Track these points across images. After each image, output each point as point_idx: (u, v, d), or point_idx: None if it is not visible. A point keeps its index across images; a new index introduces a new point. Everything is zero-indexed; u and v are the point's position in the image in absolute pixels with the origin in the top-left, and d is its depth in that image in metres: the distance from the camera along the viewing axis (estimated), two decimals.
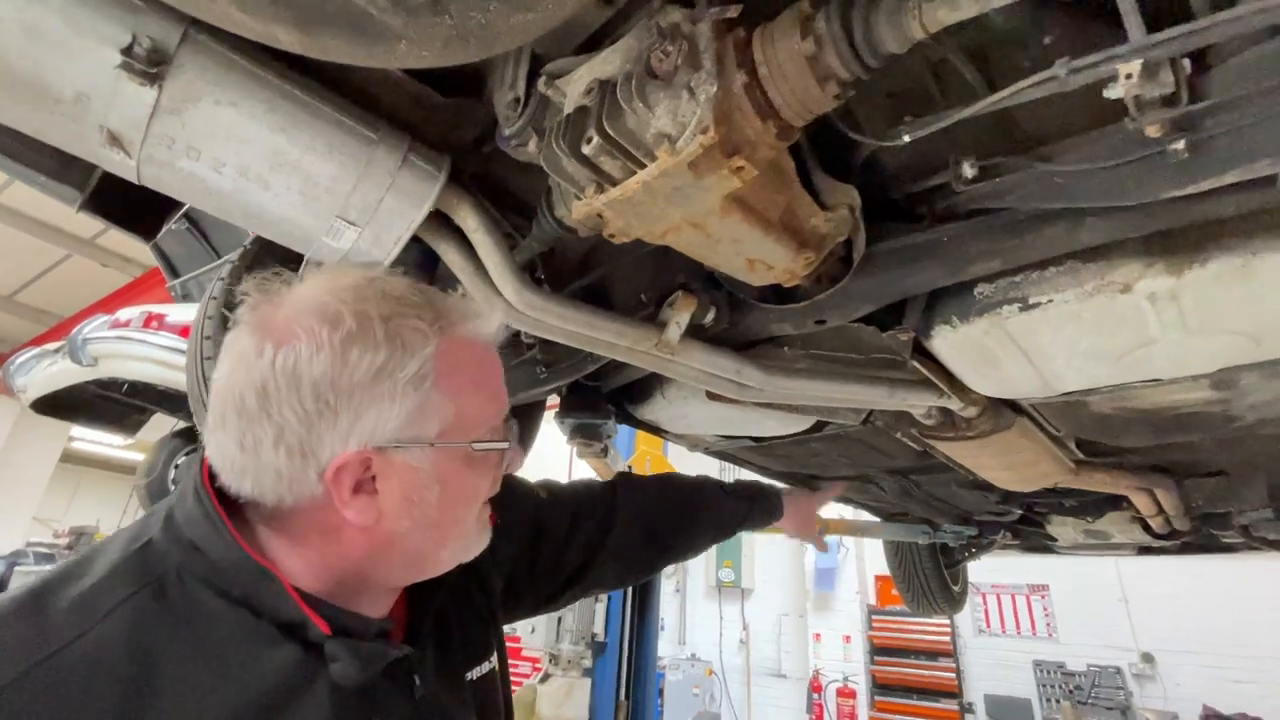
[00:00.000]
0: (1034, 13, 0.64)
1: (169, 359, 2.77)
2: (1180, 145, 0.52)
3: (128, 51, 0.65)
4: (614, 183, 0.71)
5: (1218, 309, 0.81)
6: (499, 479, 0.68)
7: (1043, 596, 6.63)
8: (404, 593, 0.69)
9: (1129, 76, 0.50)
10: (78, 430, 8.52)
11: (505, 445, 0.64)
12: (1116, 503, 2.06)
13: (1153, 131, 0.52)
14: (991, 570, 6.21)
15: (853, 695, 6.91)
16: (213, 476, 0.58)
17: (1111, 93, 0.53)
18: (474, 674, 0.74)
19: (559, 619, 2.50)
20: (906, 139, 0.72)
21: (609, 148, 0.67)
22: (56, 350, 3.20)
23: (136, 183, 0.82)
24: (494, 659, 0.78)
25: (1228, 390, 1.07)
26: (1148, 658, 5.98)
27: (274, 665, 0.52)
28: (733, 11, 0.65)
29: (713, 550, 8.42)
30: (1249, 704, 5.34)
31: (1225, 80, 0.50)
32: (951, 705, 6.58)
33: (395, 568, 0.62)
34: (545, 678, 2.43)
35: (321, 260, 0.95)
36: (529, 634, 2.53)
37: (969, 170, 0.74)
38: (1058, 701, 6.14)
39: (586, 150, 0.68)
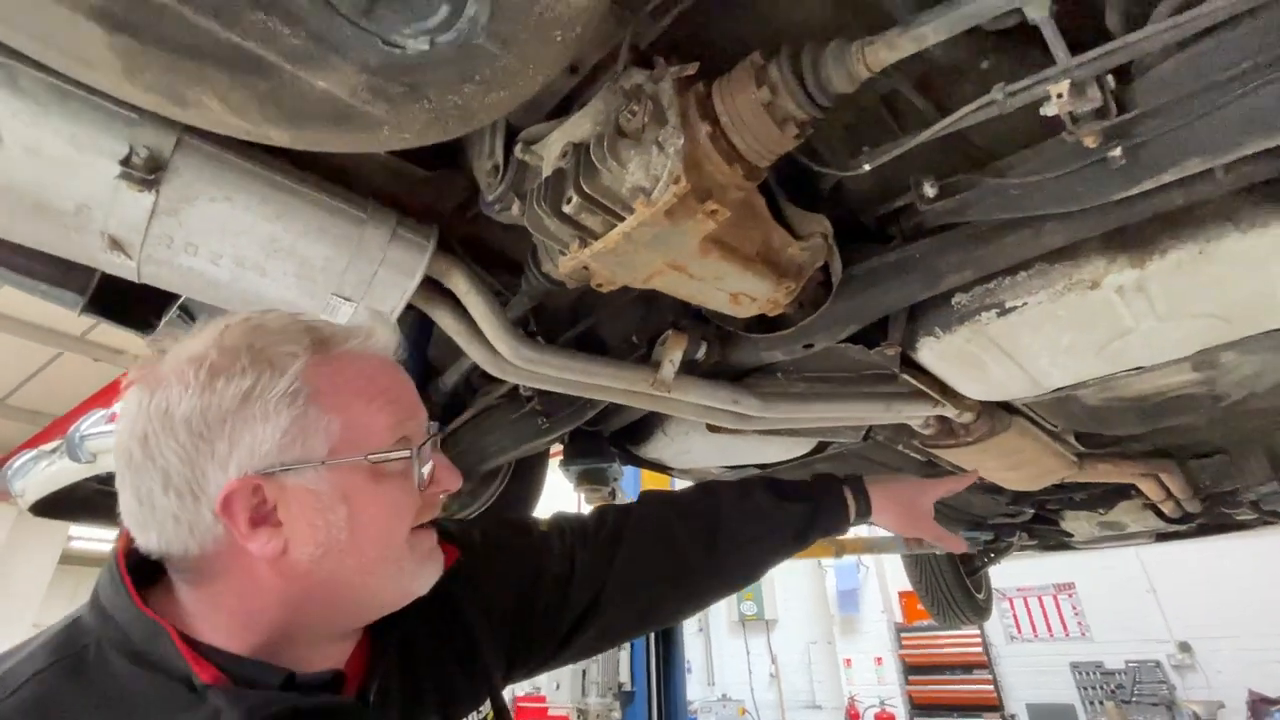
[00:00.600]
0: (970, 43, 0.69)
1: None
2: (1117, 152, 0.56)
3: (126, 162, 0.69)
4: (596, 237, 0.75)
5: (1183, 295, 0.85)
6: (435, 500, 0.65)
7: (1070, 595, 6.52)
8: (365, 643, 0.66)
9: (1060, 95, 0.54)
10: (76, 529, 8.34)
11: (405, 453, 0.60)
12: (1126, 492, 2.07)
13: (1090, 142, 0.56)
14: (1014, 574, 6.12)
15: (891, 719, 6.70)
16: (133, 541, 0.58)
17: (1047, 110, 0.57)
18: None
19: (583, 671, 2.45)
20: (867, 168, 0.76)
21: (588, 205, 0.71)
22: (54, 450, 3.17)
23: (137, 281, 0.85)
24: (486, 708, 0.74)
25: (1210, 370, 1.10)
26: (1185, 647, 5.85)
27: None
28: (690, 69, 0.70)
29: None
30: None
31: (1148, 90, 0.54)
32: (994, 719, 6.38)
33: (323, 606, 0.59)
34: None
35: None
36: (554, 690, 2.46)
37: (929, 190, 0.79)
38: (1101, 703, 5.97)
39: (568, 209, 0.71)
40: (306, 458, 0.56)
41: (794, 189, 0.90)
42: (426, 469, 0.62)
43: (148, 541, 0.56)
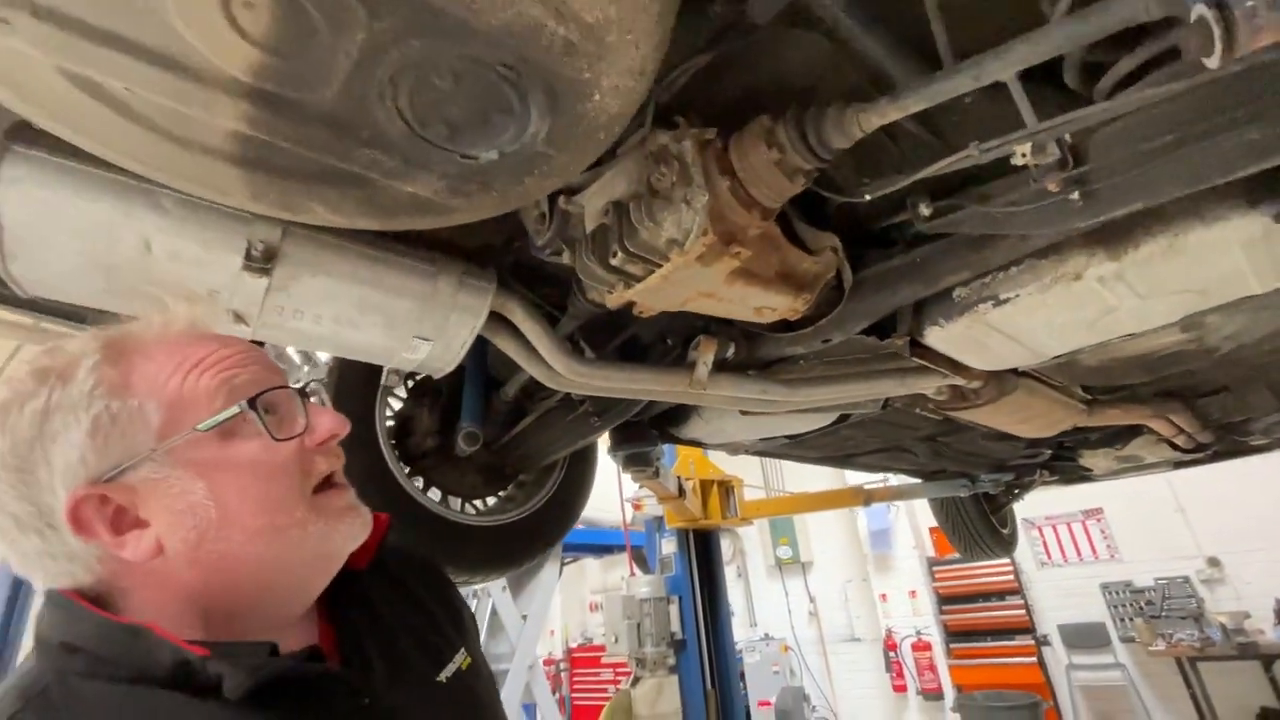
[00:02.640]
0: None
1: None
2: (1075, 195, 0.67)
3: (247, 256, 0.83)
4: (639, 280, 0.88)
5: (1160, 278, 0.95)
6: (327, 450, 0.62)
7: (1098, 520, 6.66)
8: (327, 621, 0.66)
9: (1024, 155, 0.65)
10: None
11: (236, 410, 0.56)
12: (1139, 430, 2.17)
13: (1052, 188, 0.67)
14: (1041, 503, 6.24)
15: (928, 648, 7.01)
16: None
17: (1016, 161, 0.68)
18: (446, 674, 0.70)
19: (638, 625, 2.68)
20: (868, 197, 0.88)
21: (631, 258, 0.84)
22: None
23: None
24: (461, 656, 0.73)
25: (1197, 330, 1.20)
26: (1214, 562, 5.99)
27: None
28: (710, 134, 0.81)
29: (766, 529, 8.56)
30: None
31: (1098, 147, 0.64)
32: (1027, 640, 6.64)
33: (244, 585, 0.57)
34: (636, 681, 2.61)
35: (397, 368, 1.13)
36: (613, 643, 2.71)
37: (925, 210, 0.89)
38: (1130, 620, 6.18)
39: (614, 262, 0.84)
40: (134, 451, 0.53)
41: (805, 210, 1.01)
42: (289, 424, 0.59)
43: (50, 584, 0.55)
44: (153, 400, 0.54)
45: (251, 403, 0.56)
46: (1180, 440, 2.24)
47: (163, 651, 0.50)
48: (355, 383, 1.25)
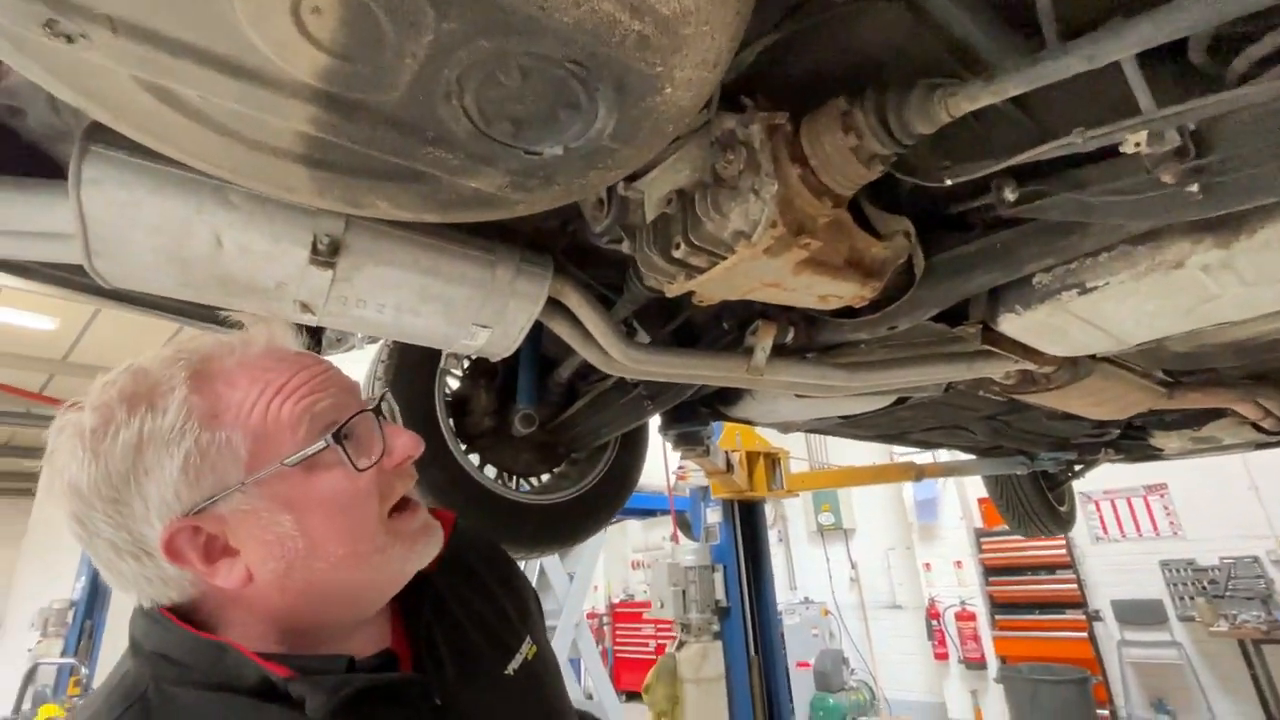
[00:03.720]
0: None
1: None
2: (1194, 188, 0.60)
3: (314, 249, 0.84)
4: (701, 271, 0.85)
5: (1272, 267, 0.87)
6: (403, 472, 0.63)
7: (1162, 496, 6.37)
8: (400, 618, 0.69)
9: (1137, 144, 0.59)
10: None
11: (320, 446, 0.56)
12: (1220, 412, 2.04)
13: (1167, 179, 0.61)
14: (1100, 477, 6.01)
15: (972, 618, 6.94)
16: None
17: (1126, 149, 0.62)
18: (513, 667, 0.72)
19: (683, 592, 2.73)
20: (949, 183, 0.82)
21: (694, 250, 0.81)
22: None
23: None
24: (527, 645, 0.75)
25: None
26: None
27: None
28: (780, 118, 0.76)
29: (809, 495, 8.52)
30: None
31: (1226, 136, 0.57)
32: (1078, 615, 6.50)
33: (325, 606, 0.59)
34: (681, 645, 2.68)
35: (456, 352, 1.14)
36: (659, 608, 2.77)
37: (1010, 195, 0.83)
38: (1191, 599, 5.96)
39: (677, 255, 0.82)
40: (224, 484, 0.54)
41: (876, 191, 0.96)
42: (371, 448, 0.60)
43: (147, 600, 0.57)
44: (239, 431, 0.55)
45: (337, 437, 0.57)
46: (1268, 423, 2.09)
47: (248, 669, 0.53)
48: (415, 363, 1.28)
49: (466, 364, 1.44)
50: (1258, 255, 0.83)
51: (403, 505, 0.63)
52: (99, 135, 0.72)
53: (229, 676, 0.53)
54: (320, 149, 0.65)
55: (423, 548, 0.63)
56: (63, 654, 6.21)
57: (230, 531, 0.55)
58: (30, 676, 5.31)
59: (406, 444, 0.62)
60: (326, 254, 0.85)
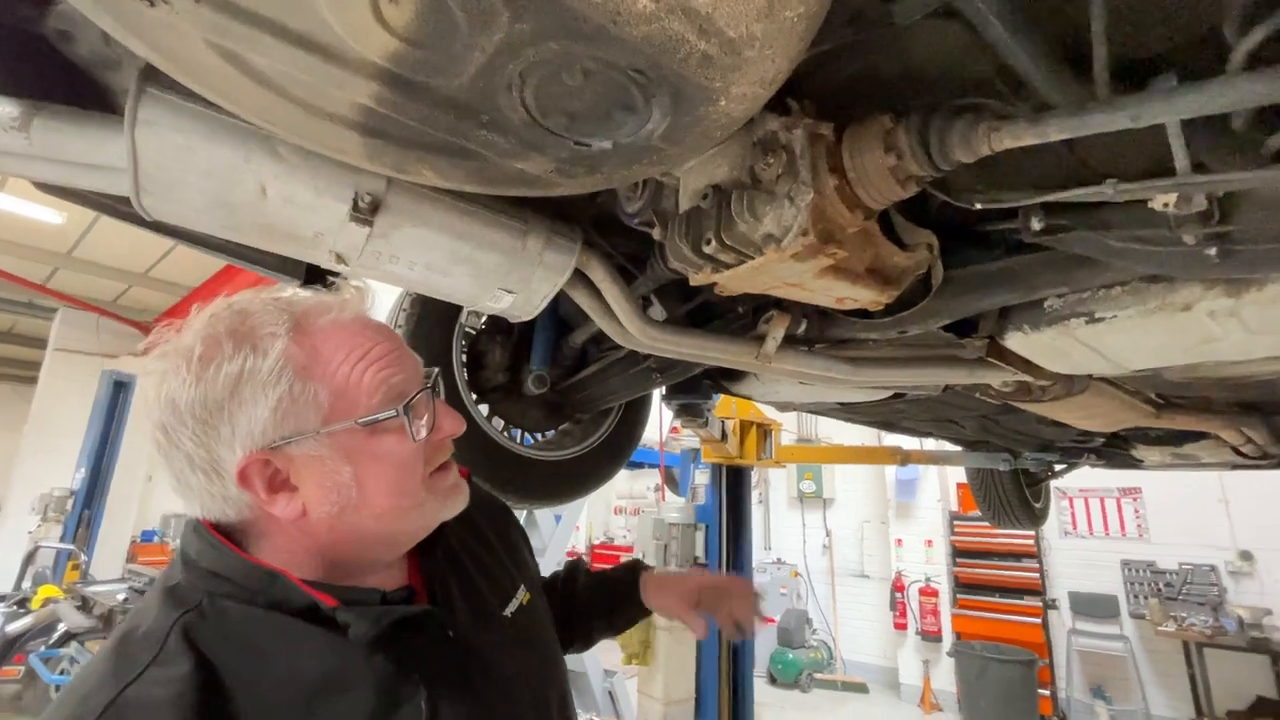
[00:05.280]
0: None
1: None
2: (1212, 251, 0.63)
3: (354, 206, 0.86)
4: (728, 267, 0.87)
5: (1277, 319, 0.90)
6: (443, 445, 0.71)
7: (1134, 499, 6.55)
8: (416, 559, 0.76)
9: (1166, 204, 0.62)
10: None
11: (392, 413, 0.63)
12: (1203, 433, 2.10)
13: (1188, 240, 0.64)
14: (1079, 475, 6.17)
15: (935, 594, 7.23)
16: None
17: (1154, 205, 0.64)
18: (511, 609, 0.80)
19: (665, 546, 2.85)
20: (979, 206, 0.84)
21: (724, 248, 0.83)
22: None
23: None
24: (522, 591, 0.84)
25: None
26: (1246, 555, 5.88)
27: (311, 648, 0.59)
28: (825, 128, 0.78)
29: (794, 465, 8.73)
30: None
31: (1250, 208, 0.60)
32: (1035, 602, 6.78)
33: (360, 547, 0.65)
34: None
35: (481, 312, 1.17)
36: (640, 558, 2.90)
37: (1036, 224, 0.85)
38: (1145, 598, 6.22)
39: (707, 250, 0.84)
40: (302, 429, 0.60)
41: (906, 202, 0.97)
42: (423, 421, 0.66)
43: (203, 513, 0.63)
44: (325, 386, 0.61)
45: (405, 408, 0.64)
46: (1247, 449, 2.16)
47: (296, 594, 0.60)
48: (437, 313, 1.31)
49: (485, 320, 1.47)
50: (1265, 308, 0.86)
51: (440, 464, 0.71)
52: (156, 77, 0.73)
53: (277, 599, 0.59)
54: (377, 120, 0.66)
55: (453, 502, 0.71)
56: (61, 540, 6.44)
57: (295, 471, 0.61)
58: (30, 558, 5.54)
59: (452, 424, 0.71)
60: (367, 211, 0.87)
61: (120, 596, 3.34)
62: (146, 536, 7.87)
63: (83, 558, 5.91)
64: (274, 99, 0.64)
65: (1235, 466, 2.79)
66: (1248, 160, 0.57)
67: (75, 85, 0.83)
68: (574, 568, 1.20)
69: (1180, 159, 0.60)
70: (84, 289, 7.78)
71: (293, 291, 0.71)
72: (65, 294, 7.71)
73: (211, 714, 0.52)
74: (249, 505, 0.62)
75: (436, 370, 0.75)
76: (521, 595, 0.83)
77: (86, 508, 6.83)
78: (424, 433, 0.66)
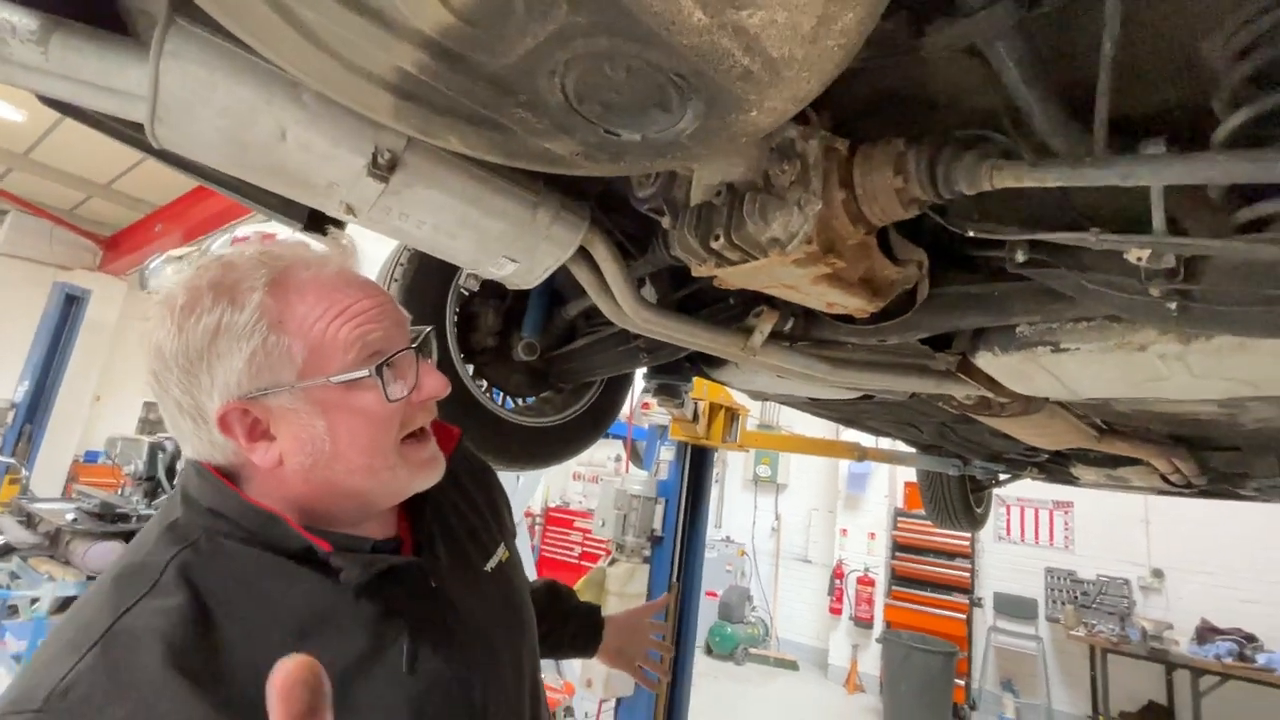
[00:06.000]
0: None
1: None
2: (1173, 306, 0.69)
3: (373, 162, 0.87)
4: (730, 264, 0.91)
5: (1219, 367, 0.98)
6: (426, 407, 0.71)
7: (1066, 512, 6.95)
8: (404, 517, 0.78)
9: (1140, 258, 0.68)
10: None
11: (363, 374, 0.63)
12: (1137, 459, 2.25)
13: (1154, 291, 0.70)
14: (1019, 485, 6.50)
15: (872, 584, 7.58)
16: None
17: (1129, 257, 0.70)
18: (490, 565, 0.83)
19: (624, 516, 2.93)
20: (971, 234, 0.89)
21: (731, 246, 0.87)
22: (181, 258, 3.59)
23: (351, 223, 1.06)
24: (501, 549, 0.87)
25: (1233, 409, 1.24)
26: (1157, 573, 6.33)
27: (302, 589, 0.61)
28: (841, 144, 0.81)
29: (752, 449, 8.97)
30: (1251, 622, 5.69)
31: (1212, 272, 0.66)
32: (963, 599, 7.18)
33: (338, 499, 0.67)
34: (613, 562, 2.91)
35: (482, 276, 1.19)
36: (599, 527, 2.98)
37: (1020, 256, 0.91)
38: (1062, 604, 6.65)
39: (714, 246, 0.88)
40: (277, 382, 0.62)
41: (902, 221, 1.02)
42: (399, 384, 0.66)
43: (189, 453, 0.66)
44: (300, 341, 0.62)
45: (379, 368, 0.64)
46: (1174, 477, 2.32)
47: (293, 537, 0.62)
48: (433, 270, 1.31)
49: (481, 283, 1.48)
50: (1208, 357, 0.95)
51: (418, 434, 0.71)
52: (186, 9, 0.72)
53: (273, 540, 0.61)
54: (413, 84, 0.67)
55: (425, 475, 0.72)
56: None
57: (273, 421, 0.63)
58: None
59: (434, 385, 0.70)
60: (384, 168, 0.88)
61: (69, 516, 3.27)
62: (90, 457, 7.64)
63: (24, 474, 5.73)
64: (313, 51, 0.64)
65: (1160, 492, 3.00)
66: (1218, 226, 0.63)
67: (93, 3, 0.81)
68: (554, 587, 1.25)
69: (1158, 218, 0.66)
70: (39, 194, 7.36)
71: (288, 241, 0.72)
72: (18, 196, 7.29)
73: (201, 644, 0.54)
74: (234, 451, 0.64)
75: (429, 329, 0.77)
76: (501, 552, 0.87)
77: (29, 422, 6.60)
78: (402, 392, 0.67)
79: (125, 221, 7.63)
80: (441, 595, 0.72)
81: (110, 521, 3.40)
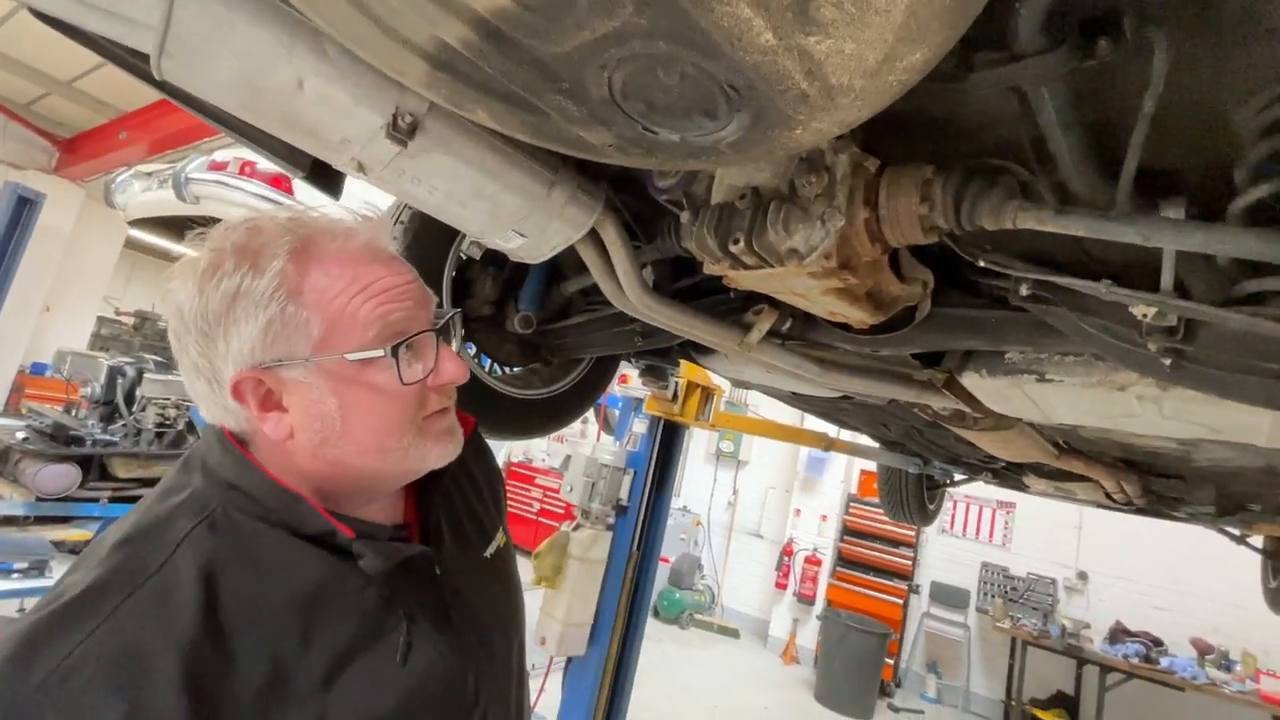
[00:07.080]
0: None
1: (258, 205, 3.00)
2: (1168, 361, 0.73)
3: (392, 124, 0.83)
4: (745, 268, 0.91)
5: (1189, 413, 1.04)
6: (443, 391, 0.70)
7: (1008, 513, 7.30)
8: (411, 500, 0.78)
9: (1144, 314, 0.70)
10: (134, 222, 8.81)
11: (379, 353, 0.61)
12: (1086, 477, 2.37)
13: (1151, 346, 0.73)
14: (969, 485, 6.78)
15: (818, 564, 7.88)
16: None
17: (1134, 312, 0.73)
18: (490, 552, 0.84)
19: (593, 485, 2.97)
20: (982, 264, 0.91)
21: (750, 252, 0.87)
22: (151, 175, 3.41)
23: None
24: (500, 534, 0.88)
25: (1191, 448, 1.31)
26: (1082, 575, 6.75)
27: (310, 573, 0.60)
28: (871, 163, 0.81)
29: None
30: (1161, 628, 6.14)
31: (1210, 335, 0.69)
32: (902, 585, 7.53)
33: (351, 480, 0.66)
34: (577, 527, 2.96)
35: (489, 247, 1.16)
36: (568, 491, 3.01)
37: (1024, 291, 0.93)
38: (993, 597, 7.04)
39: (733, 248, 0.88)
40: (292, 354, 0.60)
41: None
42: (417, 366, 0.65)
43: (205, 416, 0.65)
44: (318, 314, 0.61)
45: (395, 349, 0.63)
46: (1117, 495, 2.46)
47: (314, 520, 0.61)
48: (436, 233, 1.28)
49: (483, 250, 1.45)
50: (1181, 403, 1.00)
51: (439, 409, 0.71)
52: None
53: (291, 520, 0.61)
54: (451, 56, 0.64)
55: (442, 449, 0.70)
56: None
57: (286, 393, 0.62)
58: None
59: (453, 371, 0.68)
60: (404, 131, 0.85)
61: (20, 435, 3.15)
62: (38, 369, 7.34)
63: None
64: (355, 14, 0.61)
65: (1100, 506, 3.16)
66: (1222, 291, 0.66)
67: None
68: None
69: (1167, 278, 0.68)
70: None
71: (315, 211, 0.70)
72: None
73: (206, 624, 0.54)
74: (246, 419, 0.63)
75: (455, 312, 0.75)
76: (500, 538, 0.87)
77: None
78: (419, 375, 0.65)
79: (87, 124, 7.14)
80: (444, 584, 0.72)
81: (64, 444, 3.28)
